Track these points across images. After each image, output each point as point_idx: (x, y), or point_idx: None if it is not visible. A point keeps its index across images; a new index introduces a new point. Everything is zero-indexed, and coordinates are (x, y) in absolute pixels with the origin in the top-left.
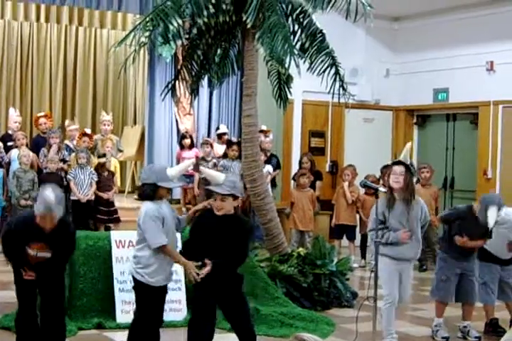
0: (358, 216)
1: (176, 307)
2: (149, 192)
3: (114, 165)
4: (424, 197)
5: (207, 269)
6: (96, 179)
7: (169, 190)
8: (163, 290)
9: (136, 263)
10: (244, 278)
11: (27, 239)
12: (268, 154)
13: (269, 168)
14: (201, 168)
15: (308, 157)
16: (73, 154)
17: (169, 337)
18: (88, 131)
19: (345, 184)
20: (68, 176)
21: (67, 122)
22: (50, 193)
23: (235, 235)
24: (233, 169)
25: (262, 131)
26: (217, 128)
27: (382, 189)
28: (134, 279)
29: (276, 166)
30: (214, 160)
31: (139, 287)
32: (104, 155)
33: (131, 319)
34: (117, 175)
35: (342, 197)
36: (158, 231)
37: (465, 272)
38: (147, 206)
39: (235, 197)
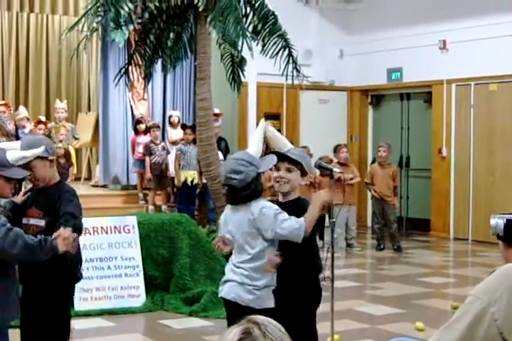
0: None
1: (134, 293)
2: (259, 187)
3: (70, 152)
4: (382, 177)
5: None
6: None
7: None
8: None
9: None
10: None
11: None
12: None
13: (220, 154)
14: (269, 127)
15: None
16: None
17: (127, 323)
18: (43, 118)
19: None
20: None
21: (16, 112)
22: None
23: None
24: (190, 153)
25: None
26: (170, 116)
27: (336, 169)
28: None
29: (225, 150)
30: (163, 144)
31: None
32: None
33: None
34: (73, 163)
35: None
36: (291, 218)
37: None
38: (262, 204)
39: (303, 172)
